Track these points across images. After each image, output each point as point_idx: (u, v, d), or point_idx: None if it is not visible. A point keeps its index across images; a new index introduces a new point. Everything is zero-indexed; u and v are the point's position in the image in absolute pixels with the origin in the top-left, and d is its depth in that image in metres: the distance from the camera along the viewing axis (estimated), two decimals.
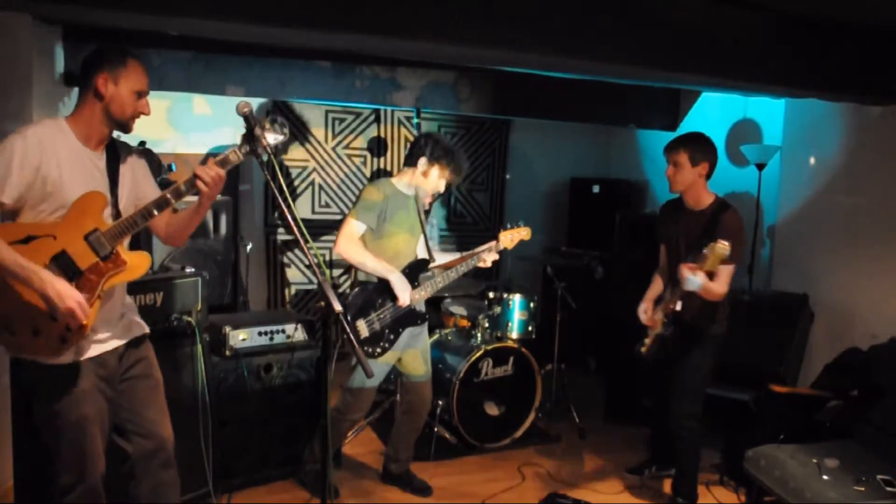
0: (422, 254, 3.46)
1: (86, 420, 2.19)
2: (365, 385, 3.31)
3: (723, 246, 2.82)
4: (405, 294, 3.21)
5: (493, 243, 3.44)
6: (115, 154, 2.28)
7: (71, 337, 2.09)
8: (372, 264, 3.19)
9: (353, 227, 3.19)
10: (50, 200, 2.10)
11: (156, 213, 2.17)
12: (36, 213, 2.11)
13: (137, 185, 2.34)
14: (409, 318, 3.29)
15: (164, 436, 2.42)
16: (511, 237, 3.45)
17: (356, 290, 3.24)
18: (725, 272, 3.10)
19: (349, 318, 3.15)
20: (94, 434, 2.21)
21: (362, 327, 3.17)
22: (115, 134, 2.31)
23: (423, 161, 3.25)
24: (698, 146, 3.24)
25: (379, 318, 3.21)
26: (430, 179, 3.29)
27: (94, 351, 2.23)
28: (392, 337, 3.24)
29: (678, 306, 3.16)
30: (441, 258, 3.52)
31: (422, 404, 3.52)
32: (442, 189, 3.37)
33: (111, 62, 2.13)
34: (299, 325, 3.55)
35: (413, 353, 3.42)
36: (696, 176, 3.24)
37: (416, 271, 3.33)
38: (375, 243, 3.25)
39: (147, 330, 2.46)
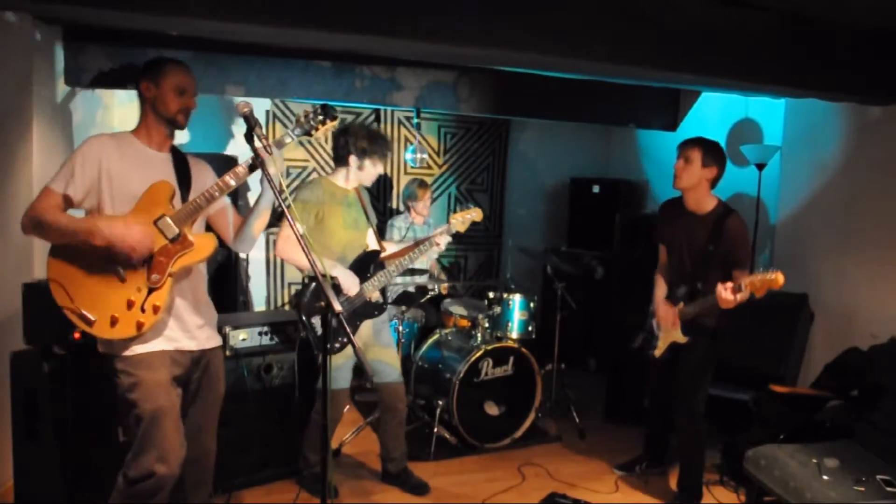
0: (372, 245, 3.46)
1: (161, 412, 2.25)
2: (336, 387, 3.30)
3: (777, 277, 2.96)
4: (351, 287, 3.21)
5: (444, 227, 3.45)
6: (183, 158, 2.45)
7: (145, 319, 2.22)
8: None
9: (289, 231, 3.20)
10: (122, 195, 2.26)
11: (217, 194, 2.27)
12: (113, 208, 2.26)
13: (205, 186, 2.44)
14: (365, 310, 3.30)
15: (208, 447, 2.51)
16: (462, 219, 3.45)
17: (308, 288, 3.23)
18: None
19: (303, 317, 3.17)
20: (168, 426, 2.26)
21: (317, 325, 3.18)
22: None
23: (353, 159, 3.29)
24: (713, 150, 3.30)
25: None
26: (367, 171, 3.33)
27: (169, 345, 2.32)
28: (349, 330, 3.23)
29: (693, 313, 3.27)
30: (393, 248, 3.55)
31: (397, 402, 3.52)
32: (381, 172, 3.41)
33: (151, 70, 2.35)
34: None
35: (380, 352, 3.43)
36: (703, 177, 3.29)
37: (366, 263, 3.34)
38: (319, 241, 3.26)
39: (219, 342, 2.55)
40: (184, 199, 2.35)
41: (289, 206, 2.12)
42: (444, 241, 3.43)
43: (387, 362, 3.46)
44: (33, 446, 2.84)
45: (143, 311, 2.22)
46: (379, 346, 3.44)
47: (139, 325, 2.22)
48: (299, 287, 5.67)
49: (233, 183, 2.28)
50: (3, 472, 3.06)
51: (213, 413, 2.52)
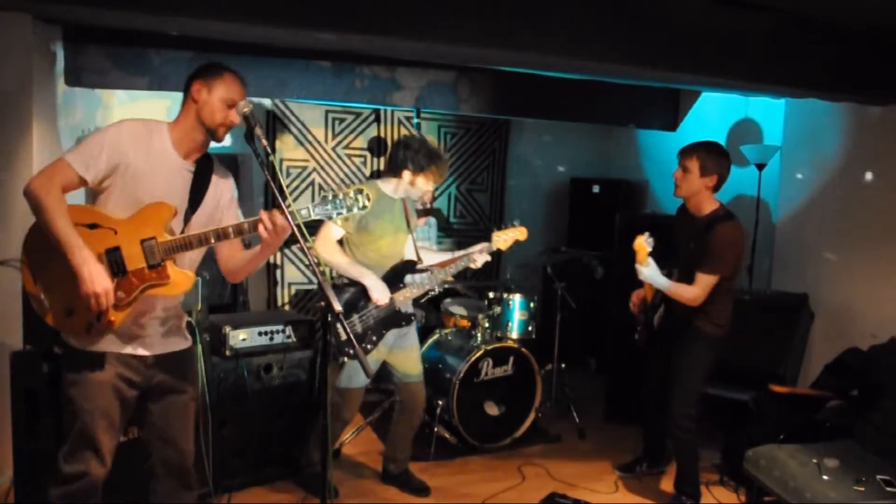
0: (409, 255, 3.45)
1: (97, 412, 2.21)
2: (351, 385, 3.32)
3: (640, 239, 3.14)
4: (381, 297, 3.19)
5: (485, 244, 3.39)
6: (207, 173, 2.33)
7: (96, 327, 2.15)
8: (346, 267, 3.20)
9: (330, 231, 3.20)
10: (128, 194, 2.18)
11: (213, 241, 2.20)
12: (116, 202, 2.18)
13: (219, 210, 2.37)
14: (393, 319, 3.29)
15: (185, 449, 2.45)
16: (505, 238, 3.39)
17: (340, 291, 3.23)
18: (703, 280, 3.19)
19: (329, 319, 3.14)
20: (102, 428, 2.22)
21: (341, 329, 3.17)
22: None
23: (407, 173, 3.25)
24: (712, 157, 3.23)
25: (361, 320, 3.21)
26: (418, 186, 3.29)
27: (118, 348, 2.25)
28: (374, 338, 3.24)
29: (649, 294, 3.43)
30: (431, 258, 3.51)
31: (416, 404, 3.52)
32: (431, 189, 3.37)
33: (208, 72, 2.25)
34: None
35: (402, 353, 3.42)
36: (702, 186, 3.26)
37: (400, 273, 3.33)
38: (358, 246, 3.26)
39: (188, 344, 2.47)
40: (186, 218, 2.27)
41: (289, 206, 2.09)
42: (482, 259, 3.36)
43: (406, 363, 3.45)
44: (33, 446, 2.84)
45: (98, 318, 2.14)
46: (402, 346, 3.42)
47: (89, 328, 2.16)
48: (300, 288, 5.67)
49: (232, 236, 2.21)
50: (3, 472, 3.06)
51: (183, 414, 2.44)
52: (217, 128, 2.25)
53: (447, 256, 3.51)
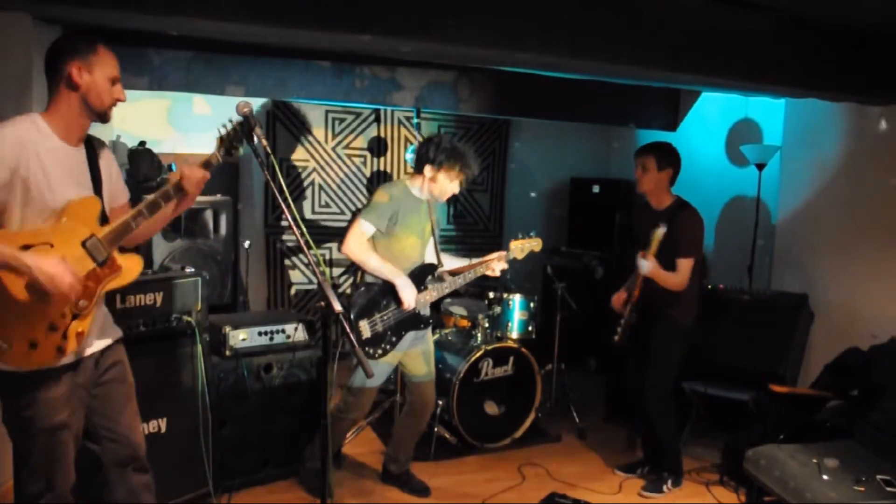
0: (430, 258, 3.45)
1: (61, 427, 2.13)
2: (366, 385, 3.31)
3: (660, 231, 3.32)
4: (410, 298, 3.20)
5: (502, 252, 3.45)
6: (94, 150, 2.22)
7: (67, 345, 2.05)
8: (378, 266, 3.19)
9: (362, 228, 3.19)
10: (36, 204, 2.01)
11: (148, 214, 2.15)
12: (23, 217, 2.01)
13: (112, 181, 2.29)
14: (412, 321, 3.29)
15: (137, 441, 2.37)
16: (521, 247, 3.47)
17: (361, 289, 3.24)
18: (683, 264, 3.44)
19: (352, 316, 3.15)
20: (67, 442, 2.15)
21: (364, 328, 3.17)
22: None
23: (428, 168, 3.24)
24: (665, 154, 3.55)
25: (382, 320, 3.21)
26: (440, 184, 3.27)
27: (70, 357, 2.15)
28: (394, 339, 3.24)
29: (636, 292, 3.53)
30: (449, 263, 3.50)
31: (424, 406, 3.51)
32: (456, 191, 3.32)
33: (82, 50, 2.04)
34: (300, 325, 3.54)
35: (415, 353, 3.41)
36: (660, 180, 3.56)
37: (423, 275, 3.33)
38: (384, 245, 3.25)
39: (121, 334, 2.38)
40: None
41: (289, 206, 2.07)
42: (499, 267, 3.42)
43: (419, 364, 3.43)
44: None
45: (65, 337, 2.02)
46: (418, 348, 3.41)
47: (60, 351, 2.03)
48: (300, 288, 5.68)
49: (164, 204, 2.15)
50: (4, 471, 3.06)
51: (131, 405, 2.35)
52: (107, 110, 2.12)
53: (465, 262, 3.51)
